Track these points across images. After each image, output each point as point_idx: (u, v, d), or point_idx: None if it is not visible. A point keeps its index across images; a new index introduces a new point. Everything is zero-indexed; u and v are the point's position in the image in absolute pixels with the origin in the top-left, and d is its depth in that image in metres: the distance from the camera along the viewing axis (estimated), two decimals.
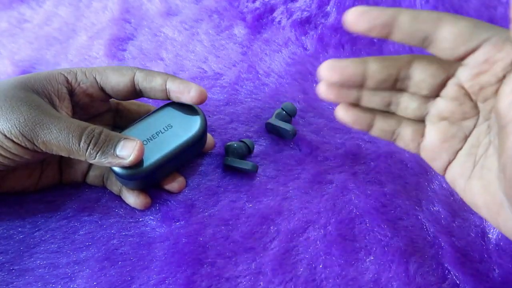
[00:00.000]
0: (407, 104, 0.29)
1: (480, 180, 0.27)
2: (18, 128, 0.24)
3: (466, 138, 0.28)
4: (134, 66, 0.30)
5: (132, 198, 0.30)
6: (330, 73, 0.28)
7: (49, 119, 0.24)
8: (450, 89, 0.27)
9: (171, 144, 0.29)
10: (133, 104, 0.33)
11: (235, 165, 0.32)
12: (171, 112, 0.30)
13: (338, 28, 0.44)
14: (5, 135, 0.24)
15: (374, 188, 0.34)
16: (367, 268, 0.30)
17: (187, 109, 0.30)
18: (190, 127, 0.30)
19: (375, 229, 0.31)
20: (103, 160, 0.25)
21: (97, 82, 0.29)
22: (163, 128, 0.29)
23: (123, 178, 0.28)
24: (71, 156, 0.25)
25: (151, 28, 0.43)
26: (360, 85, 0.28)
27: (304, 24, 0.44)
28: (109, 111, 0.32)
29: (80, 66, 0.39)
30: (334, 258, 0.30)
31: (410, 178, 0.35)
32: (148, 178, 0.29)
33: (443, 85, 0.27)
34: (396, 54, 0.43)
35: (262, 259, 0.30)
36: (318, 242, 0.31)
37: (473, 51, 0.24)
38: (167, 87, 0.29)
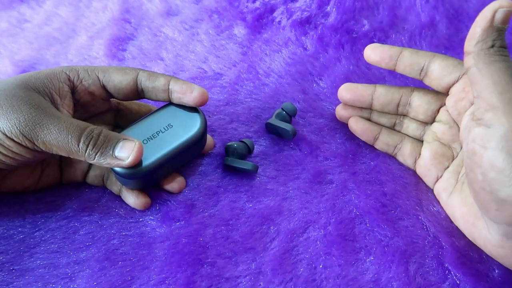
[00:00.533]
0: (408, 125, 0.35)
1: (460, 193, 0.31)
2: (18, 128, 0.24)
3: (453, 158, 0.32)
4: (137, 68, 0.30)
5: (132, 198, 0.30)
6: (344, 92, 0.34)
7: (49, 119, 0.24)
8: (442, 114, 0.32)
9: (171, 144, 0.29)
10: (134, 103, 0.33)
11: (235, 165, 0.32)
12: (171, 112, 0.30)
13: (338, 28, 0.44)
14: (6, 135, 0.24)
15: (374, 188, 0.34)
16: (367, 268, 0.30)
17: (187, 109, 0.30)
18: (190, 127, 0.30)
19: (375, 229, 0.31)
20: (102, 161, 0.25)
21: (99, 80, 0.29)
22: (163, 128, 0.29)
23: (123, 177, 0.28)
24: (71, 156, 0.25)
25: (151, 28, 0.43)
26: (369, 106, 0.35)
27: (304, 24, 0.44)
28: (110, 110, 0.32)
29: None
30: (334, 258, 0.30)
31: (410, 178, 0.35)
32: (148, 178, 0.29)
33: (437, 111, 0.33)
34: None
35: (262, 259, 0.30)
36: (318, 242, 0.31)
37: (454, 82, 0.30)
38: (170, 87, 0.29)
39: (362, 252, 0.31)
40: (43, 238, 0.29)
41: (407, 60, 0.31)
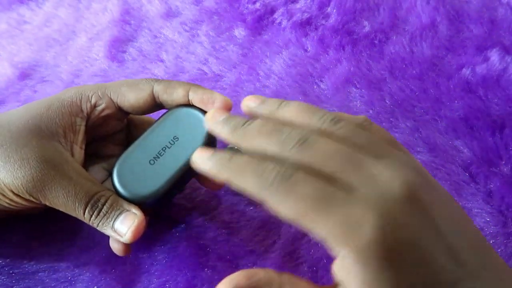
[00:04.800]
0: None
1: None
2: (25, 188, 0.23)
3: None
4: (150, 78, 0.28)
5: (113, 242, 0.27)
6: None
7: (58, 180, 0.24)
8: None
9: (180, 160, 0.26)
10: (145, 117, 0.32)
11: None
12: (174, 121, 0.27)
13: (339, 29, 0.43)
14: (13, 191, 0.24)
15: None
16: None
17: (189, 113, 0.28)
18: (197, 134, 0.27)
19: None
20: (104, 230, 0.25)
21: (113, 102, 0.27)
22: (169, 142, 0.27)
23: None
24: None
25: (151, 30, 0.43)
26: None
27: (305, 25, 0.44)
28: (123, 130, 0.31)
29: (80, 68, 0.40)
30: None
31: None
32: (157, 203, 0.26)
33: None
34: (396, 56, 0.43)
35: (263, 263, 0.30)
36: (319, 245, 0.31)
37: None
38: (189, 98, 0.27)
39: None
40: (43, 241, 0.29)
41: None
